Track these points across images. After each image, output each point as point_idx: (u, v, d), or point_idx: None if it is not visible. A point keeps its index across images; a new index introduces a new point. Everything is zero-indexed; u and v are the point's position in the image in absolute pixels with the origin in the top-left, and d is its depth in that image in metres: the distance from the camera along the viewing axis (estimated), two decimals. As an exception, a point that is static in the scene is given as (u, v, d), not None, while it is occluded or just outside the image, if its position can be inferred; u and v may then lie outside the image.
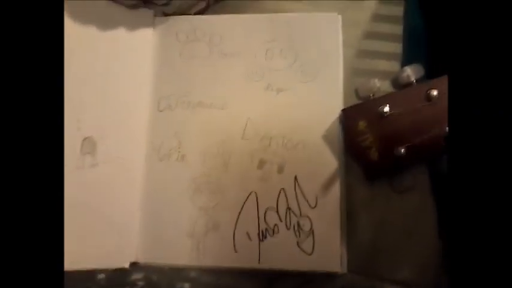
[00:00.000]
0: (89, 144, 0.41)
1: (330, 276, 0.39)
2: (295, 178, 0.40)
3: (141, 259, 0.40)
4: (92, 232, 0.40)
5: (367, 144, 0.39)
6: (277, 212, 0.40)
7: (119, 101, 0.43)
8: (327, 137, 0.41)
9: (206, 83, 0.43)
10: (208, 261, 0.39)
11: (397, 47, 0.44)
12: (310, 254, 0.39)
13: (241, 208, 0.40)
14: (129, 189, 0.41)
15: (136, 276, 0.40)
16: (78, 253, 0.38)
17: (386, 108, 0.38)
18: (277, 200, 0.40)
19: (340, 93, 0.42)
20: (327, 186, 0.40)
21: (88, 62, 0.43)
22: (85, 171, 0.41)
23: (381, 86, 0.42)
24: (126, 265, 0.39)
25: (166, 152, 0.42)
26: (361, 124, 0.39)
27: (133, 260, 0.39)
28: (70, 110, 0.40)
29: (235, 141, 0.42)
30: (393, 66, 0.43)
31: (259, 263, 0.39)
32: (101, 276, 0.40)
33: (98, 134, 0.42)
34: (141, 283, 0.40)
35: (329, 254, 0.39)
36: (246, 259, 0.39)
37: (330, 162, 0.40)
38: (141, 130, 0.42)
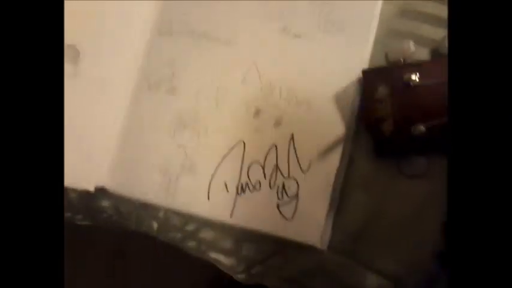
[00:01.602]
0: (70, 53, 0.38)
1: (305, 249, 0.35)
2: (292, 136, 0.36)
3: (109, 186, 0.38)
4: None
5: (383, 114, 0.34)
6: (263, 167, 0.36)
7: (115, 14, 0.39)
8: (339, 99, 0.36)
9: (215, 12, 0.39)
10: (176, 204, 0.37)
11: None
12: (289, 220, 0.35)
13: (225, 155, 0.37)
14: (107, 112, 0.38)
15: (105, 203, 0.39)
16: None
17: (415, 77, 0.33)
18: (266, 156, 0.36)
19: (367, 52, 0.36)
20: (326, 152, 0.36)
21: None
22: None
23: (417, 52, 0.35)
24: (91, 188, 0.38)
25: (157, 81, 0.39)
26: (381, 90, 0.34)
27: (100, 184, 0.38)
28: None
29: (234, 83, 0.38)
30: (439, 34, 0.36)
31: (231, 217, 0.36)
32: (73, 195, 0.39)
33: (84, 45, 0.39)
34: (109, 211, 0.38)
35: (310, 224, 0.35)
36: (218, 210, 0.36)
37: (336, 126, 0.36)
38: (135, 51, 0.39)
